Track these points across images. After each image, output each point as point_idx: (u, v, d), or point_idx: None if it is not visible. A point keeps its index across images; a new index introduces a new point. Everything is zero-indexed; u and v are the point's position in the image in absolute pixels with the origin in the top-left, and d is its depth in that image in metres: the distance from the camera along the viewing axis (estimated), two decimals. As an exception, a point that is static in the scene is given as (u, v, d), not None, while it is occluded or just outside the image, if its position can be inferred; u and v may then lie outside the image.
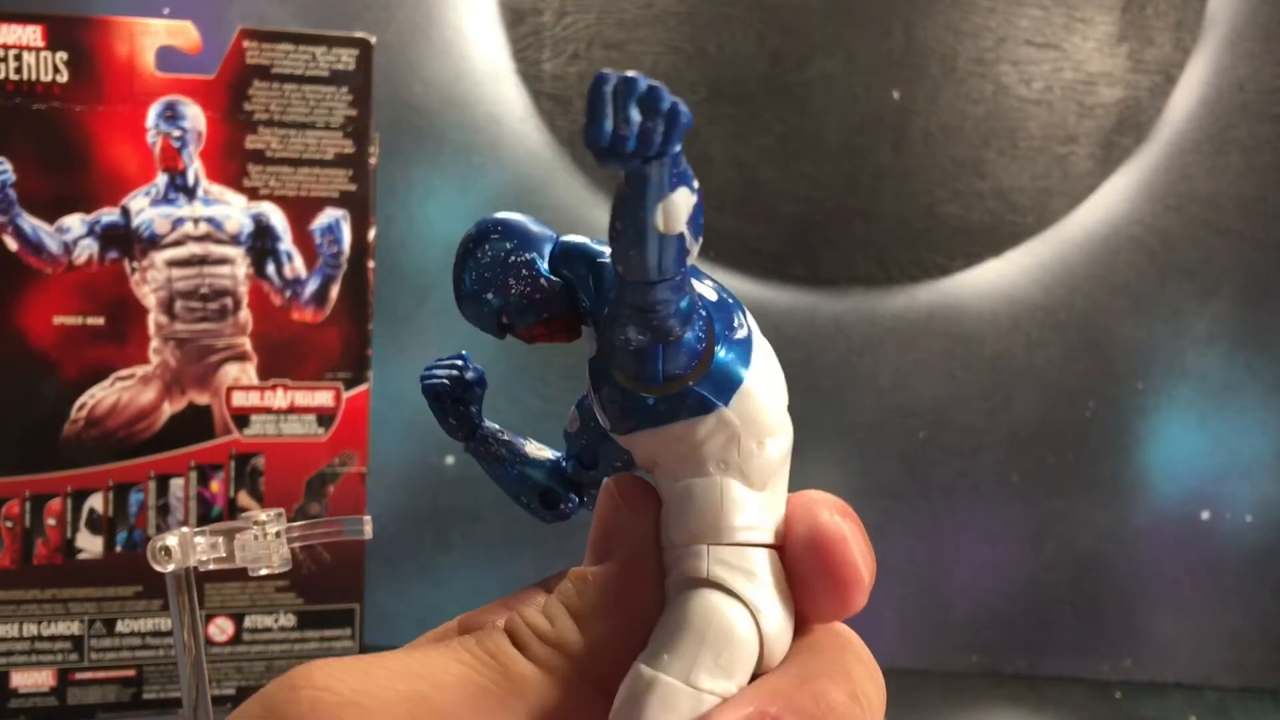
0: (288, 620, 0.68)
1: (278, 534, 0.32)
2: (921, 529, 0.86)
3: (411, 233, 0.82)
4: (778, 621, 0.23)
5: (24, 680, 0.64)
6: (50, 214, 0.64)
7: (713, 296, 0.24)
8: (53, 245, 0.64)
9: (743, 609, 0.23)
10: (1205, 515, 0.86)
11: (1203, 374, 0.85)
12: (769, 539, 0.23)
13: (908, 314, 0.85)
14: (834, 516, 0.23)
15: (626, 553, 0.24)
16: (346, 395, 0.68)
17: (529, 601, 0.27)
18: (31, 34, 0.62)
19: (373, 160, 0.68)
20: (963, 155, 0.84)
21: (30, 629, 0.64)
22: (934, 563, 0.87)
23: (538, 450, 0.29)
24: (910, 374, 0.86)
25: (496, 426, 0.29)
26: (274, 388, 0.67)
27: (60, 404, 0.64)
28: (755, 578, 0.23)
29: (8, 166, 0.63)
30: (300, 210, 0.67)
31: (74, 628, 0.65)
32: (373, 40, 0.67)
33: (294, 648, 0.68)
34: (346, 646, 0.68)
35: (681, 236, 0.21)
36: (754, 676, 0.23)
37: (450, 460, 0.83)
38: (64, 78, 0.63)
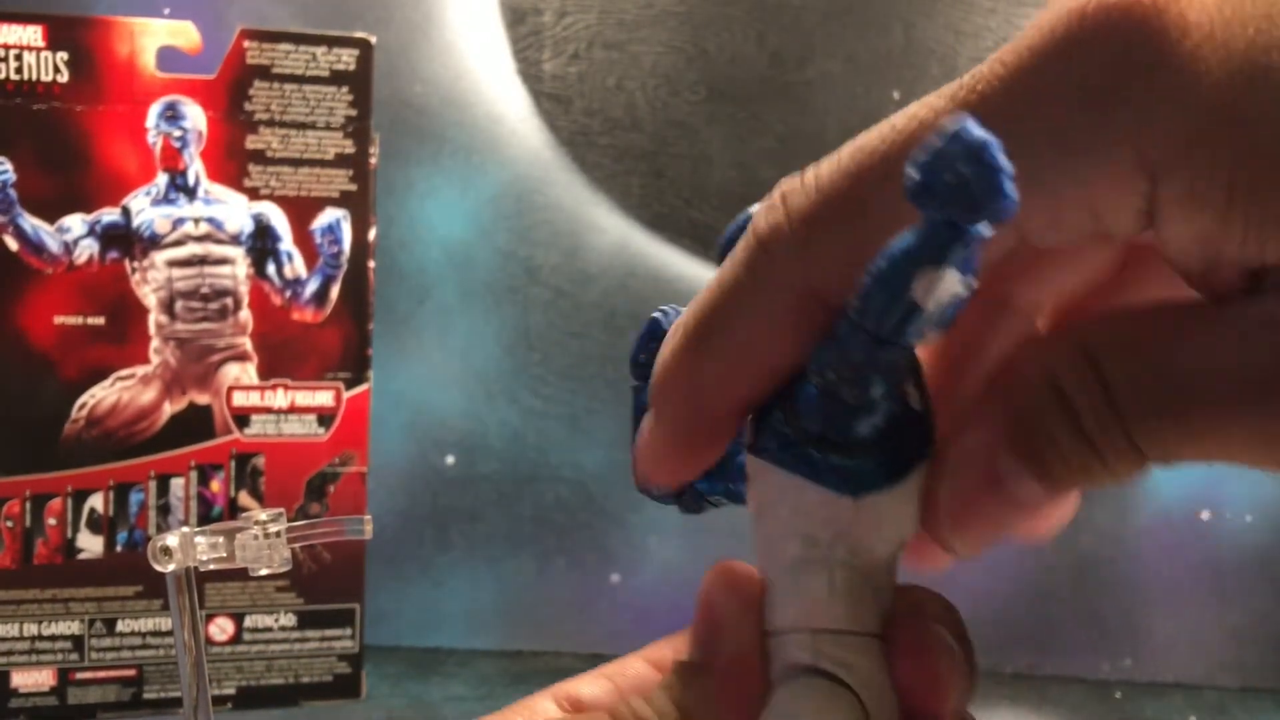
0: (288, 620, 0.68)
1: (278, 534, 0.32)
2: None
3: (411, 233, 0.82)
4: (885, 710, 0.23)
5: (24, 680, 0.64)
6: (51, 214, 0.64)
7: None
8: (53, 245, 0.64)
9: (852, 699, 0.22)
10: (1205, 515, 0.86)
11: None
12: (873, 628, 0.23)
13: (908, 314, 0.85)
14: (939, 627, 0.23)
15: (735, 643, 0.24)
16: (347, 395, 0.68)
17: (631, 679, 0.27)
18: (32, 34, 0.62)
19: (373, 160, 0.68)
20: (963, 155, 0.84)
21: (30, 629, 0.64)
22: (934, 563, 0.87)
23: None
24: (910, 374, 0.86)
25: None
26: (274, 388, 0.67)
27: (61, 404, 0.64)
28: (862, 669, 0.23)
29: (8, 166, 0.63)
30: (301, 210, 0.67)
31: (74, 627, 0.65)
32: (373, 40, 0.67)
33: (294, 648, 0.68)
34: (346, 646, 0.69)
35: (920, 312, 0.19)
36: None
37: (450, 460, 0.83)
38: (64, 78, 0.63)
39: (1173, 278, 0.21)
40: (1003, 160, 0.18)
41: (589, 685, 0.27)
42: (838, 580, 0.23)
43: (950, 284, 0.19)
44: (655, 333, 0.25)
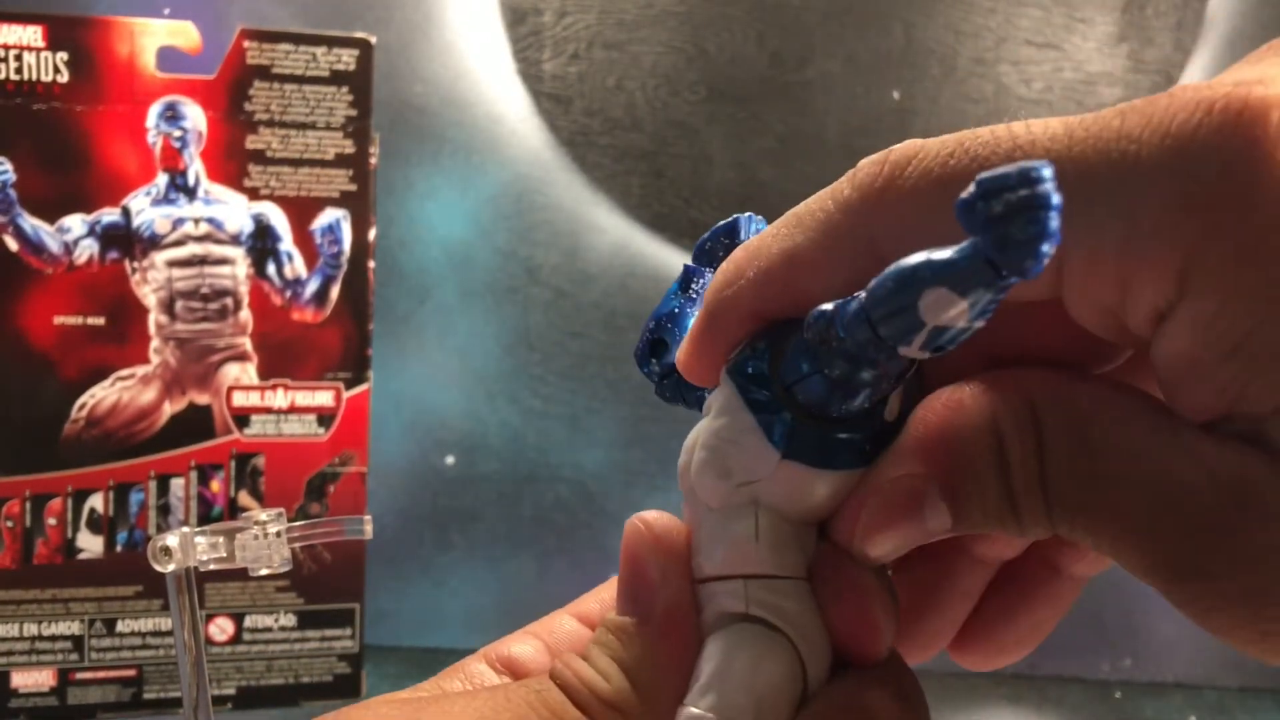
0: (288, 620, 0.68)
1: (278, 534, 0.32)
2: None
3: (411, 233, 0.82)
4: (817, 654, 0.23)
5: (24, 680, 0.64)
6: (51, 214, 0.64)
7: None
8: (53, 245, 0.64)
9: (785, 643, 0.23)
10: (1205, 515, 0.86)
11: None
12: (804, 572, 0.23)
13: (908, 314, 0.85)
14: (861, 567, 0.23)
15: (668, 597, 0.24)
16: (347, 395, 0.68)
17: (562, 638, 0.27)
18: (32, 34, 0.62)
19: (373, 160, 0.68)
20: (963, 155, 0.84)
21: (30, 629, 0.64)
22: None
23: None
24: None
25: None
26: (274, 388, 0.67)
27: (61, 404, 0.64)
28: (793, 612, 0.23)
29: (8, 166, 0.63)
30: (301, 210, 0.67)
31: (74, 628, 0.65)
32: (373, 40, 0.67)
33: (294, 647, 0.68)
34: (346, 646, 0.69)
35: (922, 325, 0.19)
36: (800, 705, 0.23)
37: (450, 460, 0.83)
38: (65, 78, 0.63)
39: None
40: (1054, 224, 0.17)
41: (520, 645, 0.27)
42: (764, 526, 0.23)
43: (959, 315, 0.19)
44: (732, 229, 0.26)
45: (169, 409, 0.66)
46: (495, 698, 0.24)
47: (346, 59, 0.66)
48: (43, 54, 0.63)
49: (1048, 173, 0.17)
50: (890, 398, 0.22)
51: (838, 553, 0.23)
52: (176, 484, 0.66)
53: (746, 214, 0.26)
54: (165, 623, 0.66)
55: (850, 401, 0.22)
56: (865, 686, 0.23)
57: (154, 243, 0.65)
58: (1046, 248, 0.17)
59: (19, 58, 0.62)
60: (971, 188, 0.18)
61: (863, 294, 0.20)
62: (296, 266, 0.67)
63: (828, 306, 0.21)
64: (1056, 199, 0.17)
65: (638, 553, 0.24)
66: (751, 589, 0.23)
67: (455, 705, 0.23)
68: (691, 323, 0.25)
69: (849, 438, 0.22)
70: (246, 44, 0.65)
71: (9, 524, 0.64)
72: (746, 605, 0.23)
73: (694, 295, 0.27)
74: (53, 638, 0.65)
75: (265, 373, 0.67)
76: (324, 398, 0.68)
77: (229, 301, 0.66)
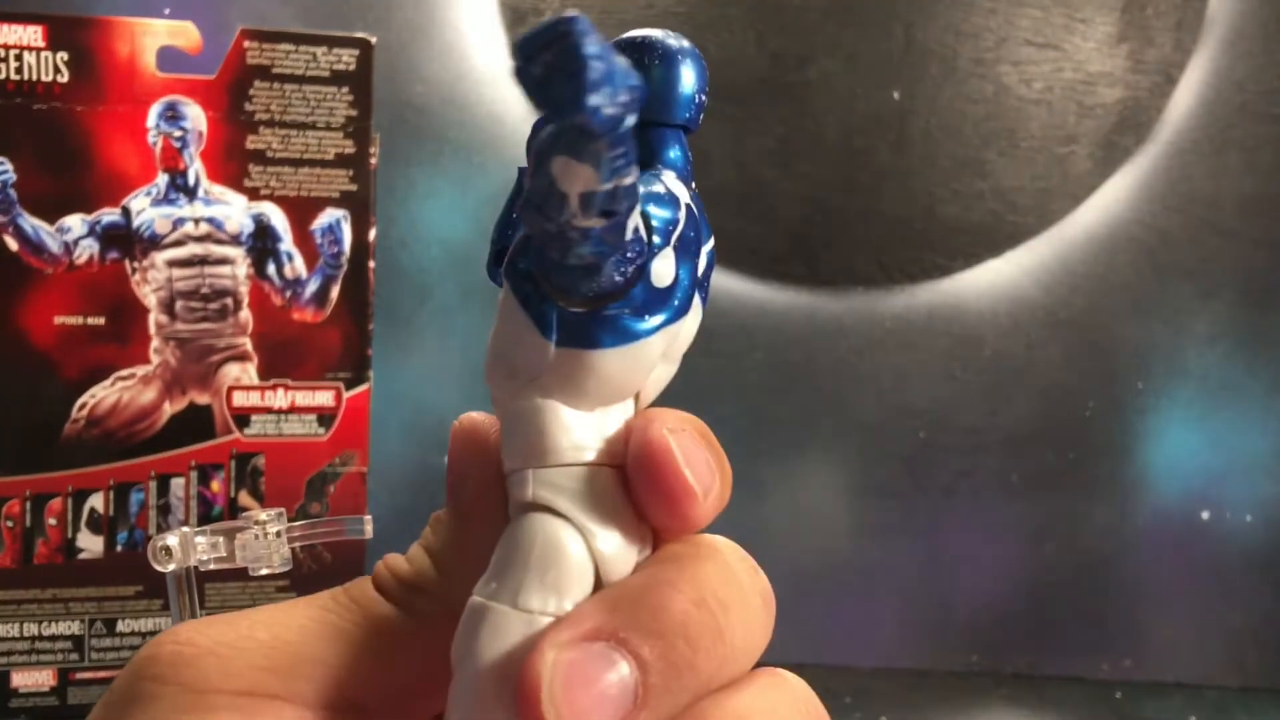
0: (288, 620, 0.68)
1: (278, 534, 0.32)
2: (921, 529, 0.86)
3: (411, 233, 0.82)
4: (612, 540, 0.22)
5: (24, 680, 0.64)
6: (51, 214, 0.64)
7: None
8: (53, 245, 0.64)
9: (570, 528, 0.22)
10: (1205, 515, 0.86)
11: (1203, 374, 0.85)
12: (601, 459, 0.23)
13: (908, 314, 0.85)
14: (663, 430, 0.22)
15: (471, 487, 0.24)
16: (347, 395, 0.68)
17: None
18: (32, 34, 0.62)
19: (373, 160, 0.68)
20: (963, 155, 0.84)
21: (31, 629, 0.64)
22: (934, 563, 0.87)
23: None
24: (910, 374, 0.86)
25: None
26: (274, 388, 0.67)
27: (61, 404, 0.64)
28: (583, 497, 0.22)
29: (8, 166, 0.63)
30: (301, 210, 0.67)
31: (74, 627, 0.65)
32: (373, 40, 0.67)
33: (294, 647, 0.68)
34: (347, 646, 0.68)
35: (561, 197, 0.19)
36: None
37: (450, 460, 0.83)
38: (65, 78, 0.63)
39: None
40: (594, 69, 0.17)
41: None
42: (549, 416, 0.23)
43: (591, 178, 0.18)
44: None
45: (169, 409, 0.66)
46: (306, 599, 0.24)
47: (347, 59, 0.66)
48: (43, 54, 0.63)
49: (577, 24, 0.17)
50: (658, 262, 0.22)
51: (643, 427, 0.23)
52: (176, 484, 0.66)
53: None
54: (165, 623, 0.66)
55: (596, 279, 0.21)
56: (660, 572, 0.22)
57: (154, 243, 0.65)
58: (595, 97, 0.17)
59: (19, 58, 0.62)
60: (513, 57, 0.17)
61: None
62: (296, 266, 0.67)
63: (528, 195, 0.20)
64: (589, 45, 0.17)
65: (454, 448, 0.25)
66: (538, 477, 0.22)
67: (267, 609, 0.24)
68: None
69: (612, 315, 0.22)
70: (247, 44, 0.65)
71: (9, 524, 0.64)
72: (532, 494, 0.22)
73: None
74: (53, 638, 0.65)
75: (265, 373, 0.67)
76: (324, 398, 0.68)
77: (229, 301, 0.66)
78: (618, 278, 0.22)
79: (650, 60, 0.24)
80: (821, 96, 0.84)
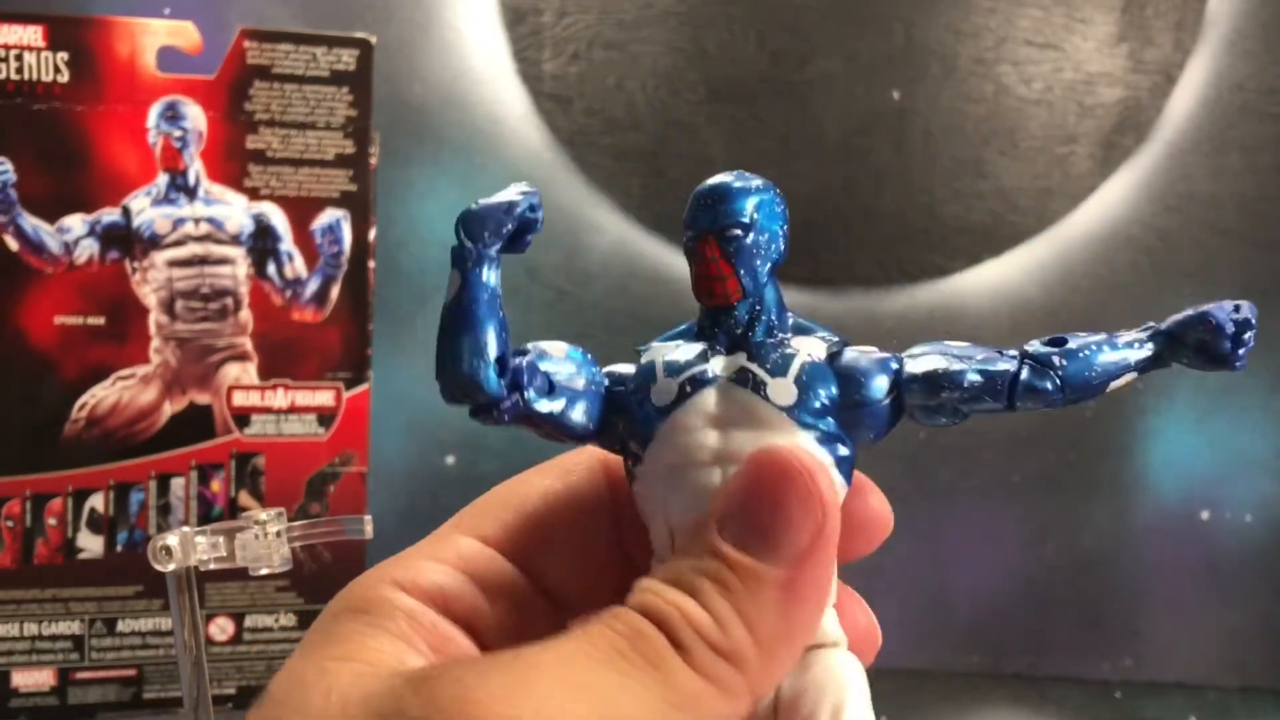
0: (288, 620, 0.68)
1: (278, 534, 0.32)
2: (922, 529, 0.86)
3: (411, 233, 0.82)
4: None
5: (24, 680, 0.64)
6: (51, 214, 0.64)
7: None
8: (53, 245, 0.64)
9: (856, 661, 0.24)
10: (1205, 515, 0.86)
11: (1202, 374, 0.85)
12: None
13: (908, 314, 0.85)
14: None
15: (808, 549, 0.21)
16: (347, 395, 0.68)
17: (476, 561, 0.25)
18: (32, 34, 0.62)
19: (373, 160, 0.68)
20: (963, 155, 0.84)
21: (31, 629, 0.64)
22: (934, 563, 0.87)
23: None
24: (910, 374, 0.86)
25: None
26: (274, 387, 0.67)
27: (61, 404, 0.64)
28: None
29: (9, 166, 0.63)
30: (301, 210, 0.67)
31: (74, 627, 0.65)
32: (373, 40, 0.67)
33: (294, 647, 0.68)
34: (347, 646, 0.68)
35: None
36: None
37: (450, 460, 0.83)
38: (65, 78, 0.63)
39: None
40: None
41: (435, 572, 0.25)
42: None
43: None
44: None
45: (169, 409, 0.66)
46: (583, 648, 0.21)
47: (346, 59, 0.66)
48: (43, 54, 0.63)
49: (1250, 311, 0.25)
50: None
51: None
52: (176, 484, 0.66)
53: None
54: (165, 623, 0.66)
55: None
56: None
57: (154, 243, 0.65)
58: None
59: (19, 58, 0.62)
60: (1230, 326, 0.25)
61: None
62: (296, 266, 0.67)
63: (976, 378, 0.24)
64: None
65: (776, 481, 0.22)
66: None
67: (552, 667, 0.20)
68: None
69: None
70: (246, 44, 0.65)
71: (9, 524, 0.64)
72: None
73: None
74: (53, 637, 0.65)
75: (265, 373, 0.67)
76: (324, 398, 0.68)
77: (229, 301, 0.66)
78: None
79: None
80: (821, 96, 0.84)
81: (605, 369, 0.26)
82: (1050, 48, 0.84)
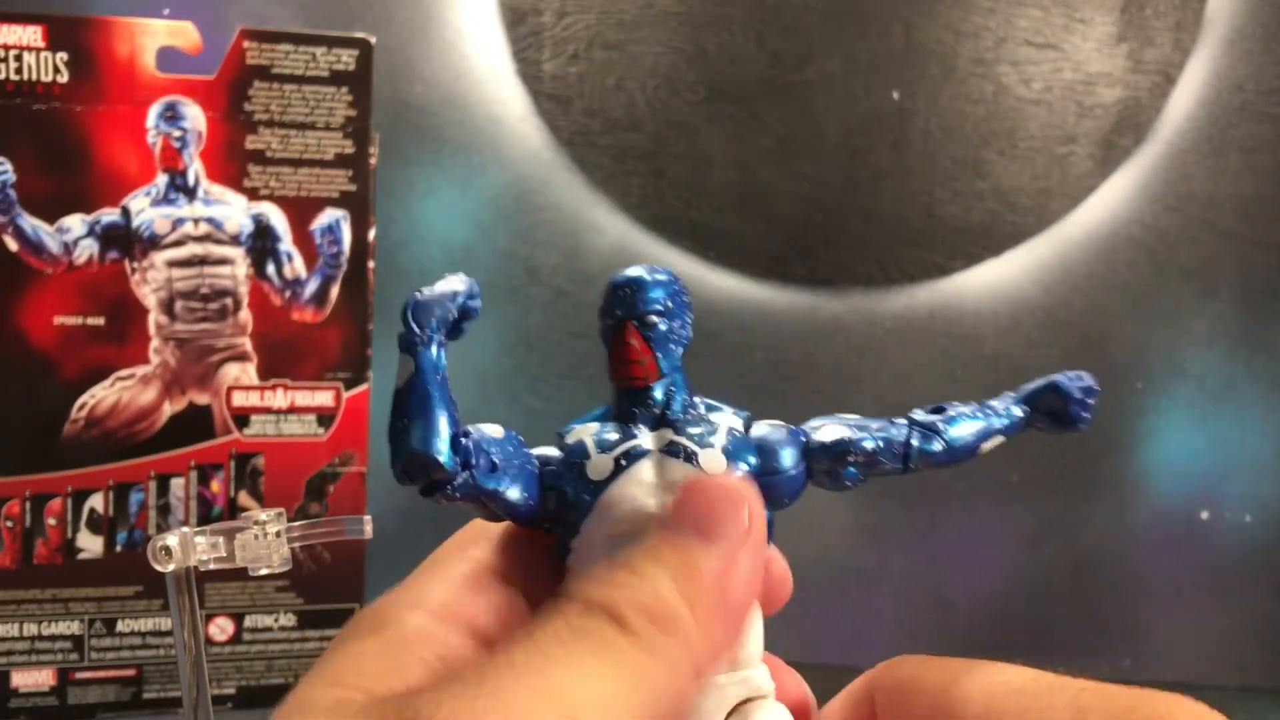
0: (288, 620, 0.68)
1: (278, 534, 0.32)
2: (921, 529, 0.86)
3: (411, 233, 0.82)
4: None
5: (24, 680, 0.64)
6: (50, 214, 0.64)
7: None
8: (53, 245, 0.64)
9: None
10: (1205, 515, 0.86)
11: (1202, 374, 0.85)
12: None
13: (908, 314, 0.85)
14: None
15: (740, 544, 0.24)
16: (346, 395, 0.68)
17: (492, 600, 0.27)
18: (32, 34, 0.62)
19: (373, 160, 0.68)
20: (963, 155, 0.84)
21: (30, 629, 0.64)
22: (934, 563, 0.87)
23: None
24: (910, 374, 0.86)
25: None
26: (274, 388, 0.67)
27: (60, 404, 0.64)
28: None
29: (8, 166, 0.63)
30: (300, 210, 0.67)
31: (74, 627, 0.65)
32: (373, 40, 0.67)
33: (294, 647, 0.68)
34: (347, 646, 0.68)
35: None
36: None
37: (450, 460, 0.83)
38: (64, 78, 0.63)
39: None
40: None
41: (452, 595, 0.27)
42: None
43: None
44: None
45: (169, 409, 0.66)
46: (537, 646, 0.22)
47: (346, 59, 0.66)
48: (43, 54, 0.63)
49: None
50: None
51: None
52: (176, 484, 0.66)
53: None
54: (165, 623, 0.66)
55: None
56: None
57: (154, 243, 0.65)
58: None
59: (19, 58, 0.62)
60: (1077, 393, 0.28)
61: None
62: (296, 266, 0.67)
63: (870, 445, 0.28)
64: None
65: (722, 486, 0.25)
66: None
67: (499, 674, 0.21)
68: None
69: None
70: (246, 44, 0.65)
71: (9, 524, 0.64)
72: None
73: None
74: (53, 638, 0.65)
75: (265, 373, 0.67)
76: (324, 398, 0.68)
77: (229, 301, 0.66)
78: None
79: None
80: (821, 96, 0.84)
81: (533, 451, 0.28)
82: (1050, 48, 0.84)
